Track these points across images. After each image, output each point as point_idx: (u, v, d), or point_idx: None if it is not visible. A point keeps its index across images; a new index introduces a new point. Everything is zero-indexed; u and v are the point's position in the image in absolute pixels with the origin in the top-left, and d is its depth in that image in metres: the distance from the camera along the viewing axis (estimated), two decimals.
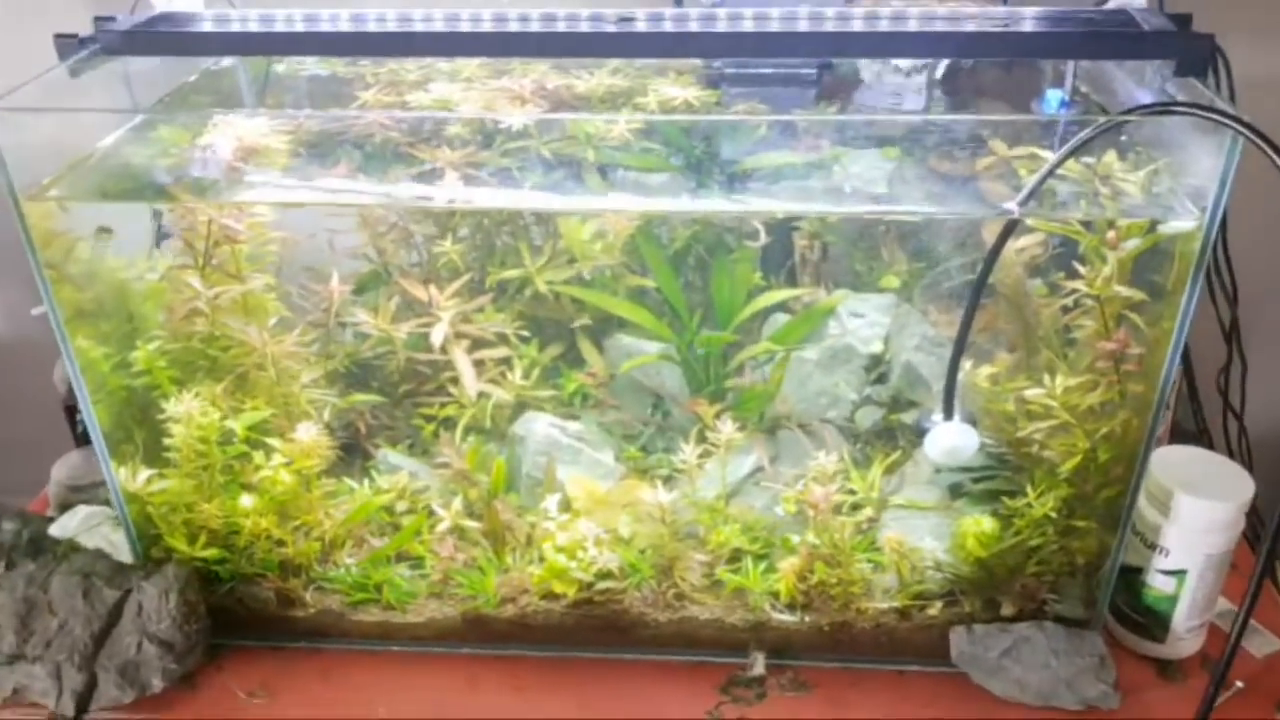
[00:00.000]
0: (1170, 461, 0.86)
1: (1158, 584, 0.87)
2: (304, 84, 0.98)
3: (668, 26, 0.84)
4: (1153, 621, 0.89)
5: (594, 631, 0.89)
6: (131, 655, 0.84)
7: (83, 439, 1.10)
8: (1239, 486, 0.84)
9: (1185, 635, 0.89)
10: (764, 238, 0.93)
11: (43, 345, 0.89)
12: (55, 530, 0.96)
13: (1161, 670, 0.89)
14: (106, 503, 1.03)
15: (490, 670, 0.90)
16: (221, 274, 0.82)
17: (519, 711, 0.86)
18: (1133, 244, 0.72)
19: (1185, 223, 0.69)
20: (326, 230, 0.93)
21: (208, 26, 0.86)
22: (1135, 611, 0.89)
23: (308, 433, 0.84)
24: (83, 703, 0.83)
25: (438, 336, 0.86)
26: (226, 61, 0.98)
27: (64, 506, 1.01)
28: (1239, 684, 0.88)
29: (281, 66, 0.99)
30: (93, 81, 0.82)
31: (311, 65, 0.99)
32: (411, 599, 0.89)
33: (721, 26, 0.83)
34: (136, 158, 0.83)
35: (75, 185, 0.79)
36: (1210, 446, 1.02)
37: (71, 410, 1.09)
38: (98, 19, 0.84)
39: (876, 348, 0.93)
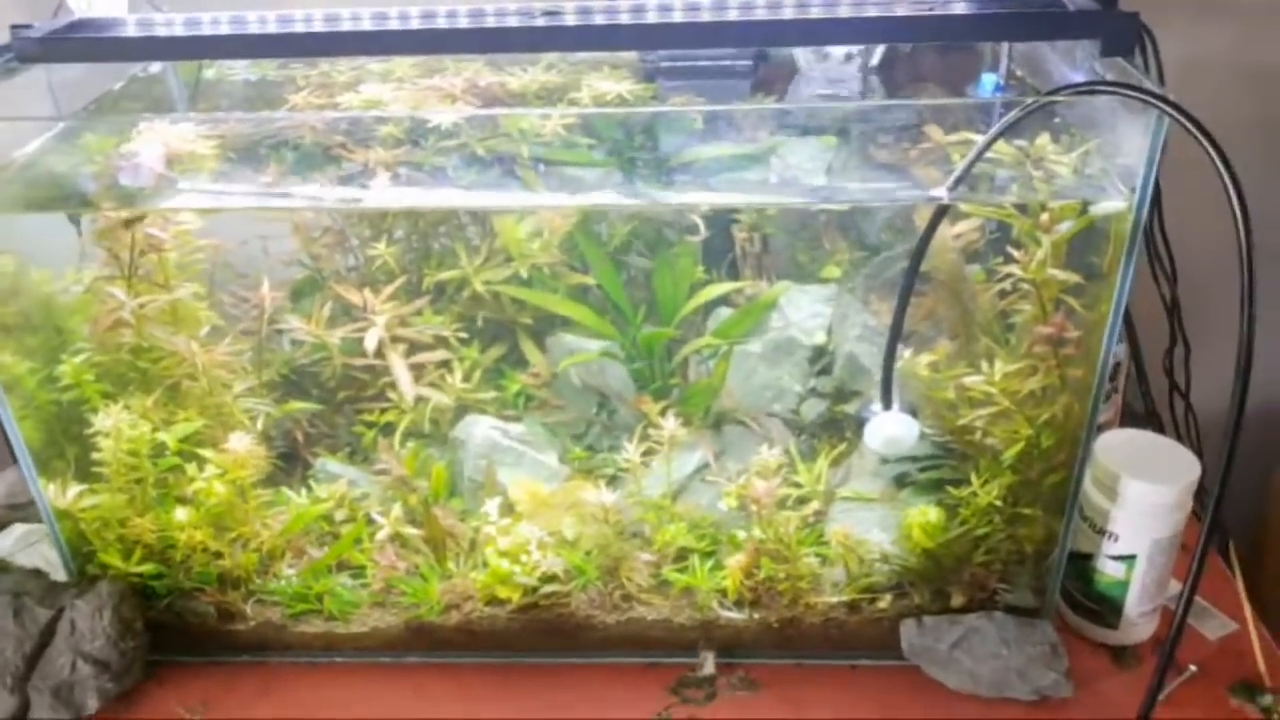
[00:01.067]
0: (1115, 445, 0.85)
1: (1108, 570, 0.86)
2: (234, 89, 0.97)
3: (597, 20, 0.82)
4: (1105, 608, 0.88)
5: (541, 636, 0.88)
6: (65, 676, 0.82)
7: None
8: (1184, 468, 0.84)
9: (1138, 620, 0.88)
10: (704, 231, 0.92)
11: None
12: None
13: (1116, 657, 0.89)
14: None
15: (437, 679, 0.88)
16: (149, 284, 0.80)
17: None
18: (1066, 227, 0.71)
19: (1116, 203, 0.68)
20: (259, 237, 0.92)
21: (130, 31, 0.84)
22: (1087, 598, 0.88)
23: (241, 443, 0.82)
24: None
25: (371, 341, 0.85)
26: (155, 68, 0.97)
27: (1, 525, 0.99)
28: (1192, 668, 0.87)
29: (211, 72, 0.98)
30: (9, 91, 0.81)
31: (242, 70, 0.98)
32: (354, 609, 0.88)
33: (652, 18, 0.82)
34: (59, 166, 0.82)
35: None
36: (1160, 428, 1.02)
37: None
38: (14, 27, 0.82)
39: (819, 339, 0.92)
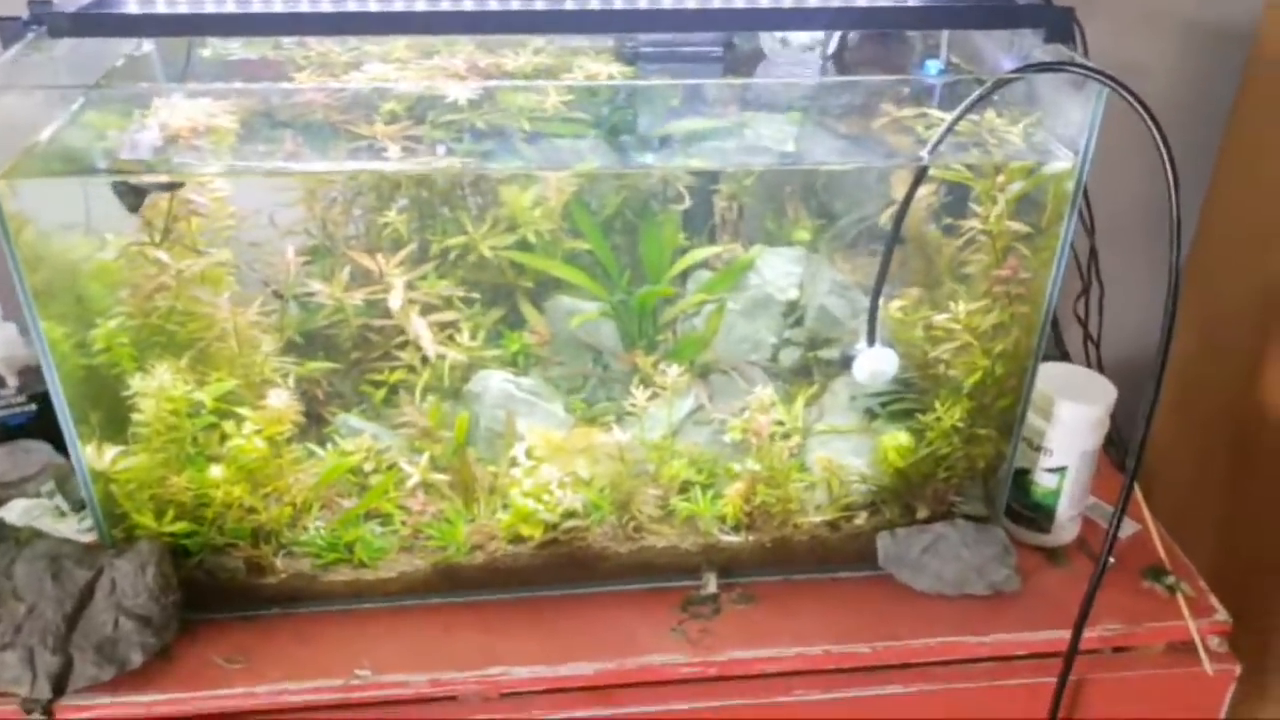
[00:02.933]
0: (1048, 376, 1.00)
1: (1043, 481, 1.01)
2: (232, 69, 1.00)
3: (593, 3, 0.91)
4: (1040, 515, 1.03)
5: (560, 569, 0.96)
6: (108, 633, 0.84)
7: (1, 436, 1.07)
8: (1105, 392, 1.00)
9: (1066, 524, 1.04)
10: (688, 201, 1.02)
11: None
12: None
13: (1049, 557, 1.04)
14: (37, 497, 1.02)
15: (463, 617, 0.95)
16: (182, 249, 0.84)
17: (497, 652, 0.92)
18: (1017, 186, 0.85)
19: (1063, 164, 0.82)
20: (273, 205, 0.95)
21: (158, 7, 0.87)
22: (1025, 508, 1.03)
23: (279, 399, 0.87)
24: (59, 684, 0.83)
25: (396, 301, 0.91)
26: (147, 46, 0.99)
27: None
28: (1111, 560, 1.03)
29: (206, 51, 1.00)
30: (23, 67, 0.82)
31: (238, 50, 1.01)
32: (383, 555, 0.93)
33: (643, 3, 0.91)
34: (83, 140, 0.84)
35: (36, 167, 0.79)
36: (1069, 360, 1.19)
37: None
38: (33, 3, 0.84)
39: (793, 295, 1.04)
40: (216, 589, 0.92)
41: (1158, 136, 0.73)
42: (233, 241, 0.93)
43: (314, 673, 0.88)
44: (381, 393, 0.98)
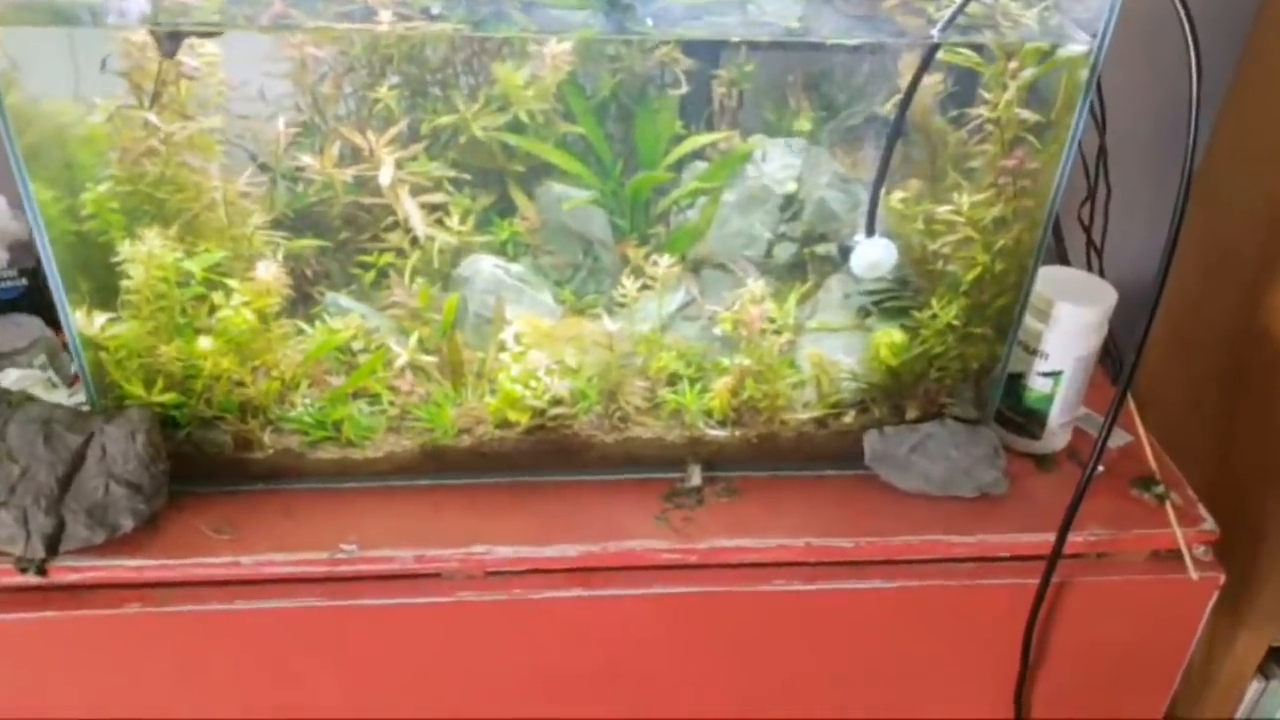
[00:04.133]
0: (1048, 278, 0.98)
1: (1037, 385, 1.00)
2: None
3: None
4: (1031, 420, 1.02)
5: (546, 456, 0.96)
6: (99, 498, 0.85)
7: None
8: (1105, 294, 0.98)
9: (1057, 431, 1.03)
10: (684, 86, 0.99)
11: None
12: None
13: (1039, 463, 1.04)
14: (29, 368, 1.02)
15: (450, 498, 0.95)
16: (172, 114, 0.82)
17: (481, 532, 0.92)
18: (1029, 72, 0.83)
19: (1079, 47, 0.79)
20: (262, 78, 0.93)
21: None
22: (1016, 413, 1.03)
23: (268, 270, 0.86)
24: (52, 544, 0.84)
25: (386, 177, 0.89)
26: None
27: None
28: (1100, 468, 1.03)
29: None
30: None
31: None
32: (371, 434, 0.94)
33: None
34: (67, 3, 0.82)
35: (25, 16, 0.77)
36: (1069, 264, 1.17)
37: None
38: None
39: (791, 188, 1.02)
40: (205, 463, 0.92)
41: (1185, 20, 0.70)
42: (222, 111, 0.91)
43: (300, 545, 0.89)
44: (370, 275, 0.97)
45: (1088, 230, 1.11)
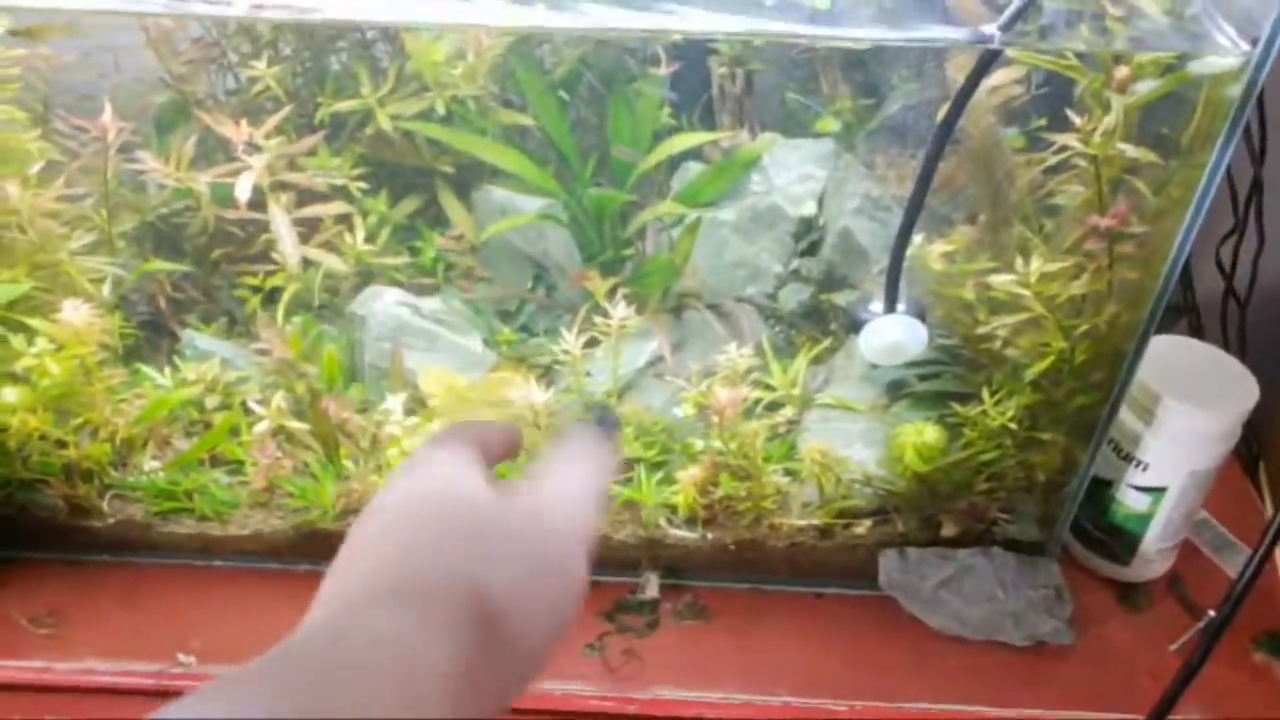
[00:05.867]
0: (1156, 355, 0.70)
1: (1130, 500, 0.73)
2: None
3: None
4: (1118, 542, 0.75)
5: None
6: None
7: None
8: (1240, 390, 0.69)
9: (1155, 557, 0.76)
10: (667, 64, 0.73)
11: None
12: None
13: (1123, 596, 0.77)
14: None
15: None
16: None
17: None
18: (1147, 87, 0.54)
19: (1226, 59, 0.50)
20: (107, 49, 0.72)
21: None
22: (1098, 529, 0.75)
23: (78, 313, 0.65)
24: None
25: (244, 188, 0.67)
26: None
27: None
28: (1210, 613, 0.75)
29: None
30: None
31: None
32: (231, 509, 0.74)
33: None
34: None
35: None
36: (1198, 326, 0.87)
37: None
38: None
39: (809, 209, 0.75)
40: (34, 527, 0.74)
41: None
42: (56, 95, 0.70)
43: (130, 649, 0.71)
44: (255, 300, 0.75)
45: (1228, 276, 0.81)
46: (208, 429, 0.72)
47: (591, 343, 0.71)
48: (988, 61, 0.50)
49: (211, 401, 0.72)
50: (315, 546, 0.75)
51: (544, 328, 0.78)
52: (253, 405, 0.71)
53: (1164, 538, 0.74)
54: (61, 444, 0.70)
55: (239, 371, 0.73)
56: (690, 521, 0.74)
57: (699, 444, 0.72)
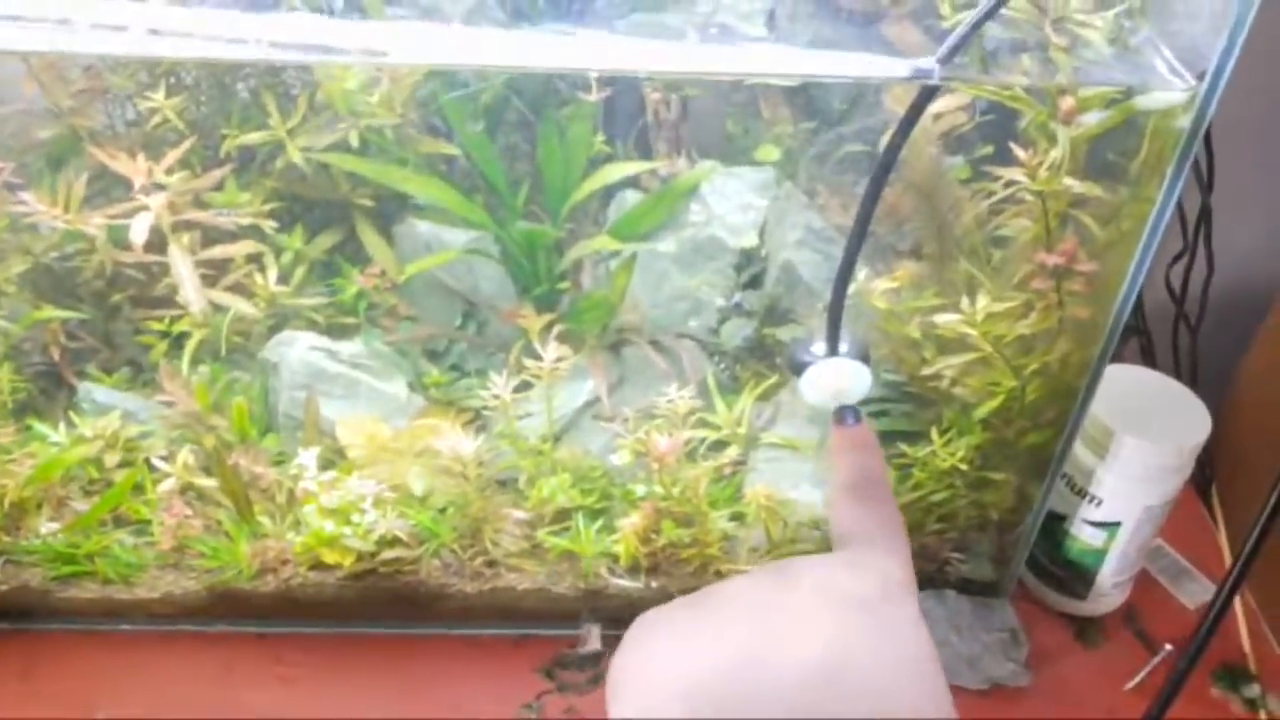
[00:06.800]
0: (1109, 387, 0.67)
1: (1084, 535, 0.70)
2: None
3: None
4: (1073, 576, 0.73)
5: (381, 606, 0.70)
6: None
7: None
8: (1192, 421, 0.67)
9: (1110, 591, 0.73)
10: (598, 90, 0.69)
11: None
12: None
13: (1079, 632, 0.75)
14: None
15: (250, 652, 0.71)
16: None
17: (285, 708, 0.67)
18: (1094, 118, 0.51)
19: (1172, 94, 0.47)
20: None
21: None
22: (1053, 564, 0.73)
23: None
24: None
25: (140, 230, 0.62)
26: None
27: None
28: (1167, 646, 0.74)
29: None
30: None
31: None
32: (138, 572, 0.69)
33: None
34: None
35: None
36: (1149, 347, 0.85)
37: None
38: None
39: (750, 240, 0.72)
40: None
41: None
42: None
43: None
44: (161, 347, 0.70)
45: (1179, 300, 0.79)
46: (109, 488, 0.67)
47: (524, 386, 0.67)
48: (928, 95, 0.47)
49: (111, 459, 0.66)
50: (231, 606, 0.70)
51: (474, 368, 0.74)
52: (157, 463, 0.66)
53: (1119, 571, 0.72)
54: None
55: (141, 426, 0.68)
56: (633, 570, 0.70)
57: (640, 489, 0.68)
